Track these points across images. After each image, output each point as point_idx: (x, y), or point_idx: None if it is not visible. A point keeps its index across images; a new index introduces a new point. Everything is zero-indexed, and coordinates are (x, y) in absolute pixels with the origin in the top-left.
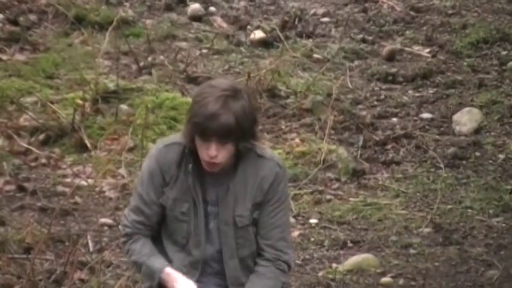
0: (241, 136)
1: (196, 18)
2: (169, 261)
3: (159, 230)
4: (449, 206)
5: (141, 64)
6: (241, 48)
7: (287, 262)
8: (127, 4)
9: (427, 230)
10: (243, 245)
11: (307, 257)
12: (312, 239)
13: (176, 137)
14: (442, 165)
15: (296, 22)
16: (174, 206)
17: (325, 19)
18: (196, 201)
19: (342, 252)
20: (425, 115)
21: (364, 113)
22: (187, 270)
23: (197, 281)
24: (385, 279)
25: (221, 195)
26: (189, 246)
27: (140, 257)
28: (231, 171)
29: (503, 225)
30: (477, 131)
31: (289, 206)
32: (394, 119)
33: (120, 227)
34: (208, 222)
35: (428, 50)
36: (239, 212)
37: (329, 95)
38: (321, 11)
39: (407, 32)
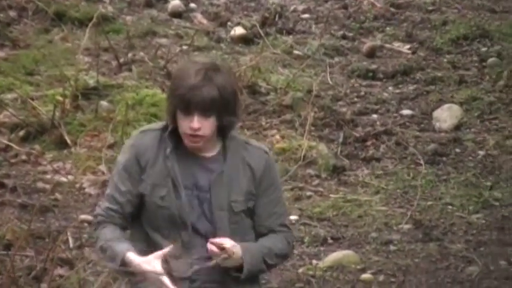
0: (224, 109)
1: (176, 14)
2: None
3: (131, 222)
4: (429, 203)
5: (121, 60)
6: (222, 45)
7: (292, 238)
8: (107, 0)
9: (407, 226)
10: (236, 232)
11: None
12: None
13: (153, 125)
14: (422, 162)
15: (276, 19)
16: (153, 191)
17: (306, 15)
18: (177, 184)
19: (322, 248)
20: (406, 112)
21: (344, 109)
22: (181, 254)
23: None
24: (365, 276)
25: (213, 181)
26: (175, 231)
27: (106, 242)
28: (220, 158)
29: (483, 221)
30: (457, 127)
31: (281, 191)
32: (374, 116)
33: (92, 217)
34: (201, 207)
35: (408, 46)
36: (234, 197)
37: (309, 91)
38: (301, 7)
39: (388, 28)
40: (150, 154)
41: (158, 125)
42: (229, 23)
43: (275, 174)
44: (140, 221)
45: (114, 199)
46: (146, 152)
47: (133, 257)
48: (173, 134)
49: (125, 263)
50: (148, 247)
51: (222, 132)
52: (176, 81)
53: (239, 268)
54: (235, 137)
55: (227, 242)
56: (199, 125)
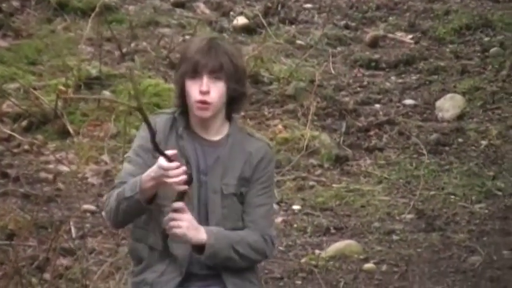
0: (232, 74)
1: (179, 4)
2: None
3: None
4: (432, 193)
5: (124, 50)
6: (224, 35)
7: (270, 236)
8: None
9: (410, 216)
10: (228, 216)
11: (290, 243)
12: (295, 226)
13: (165, 110)
14: (424, 152)
15: (279, 8)
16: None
17: (308, 5)
18: (190, 162)
19: (324, 238)
20: (408, 101)
21: (347, 99)
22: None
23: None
24: (368, 266)
25: (210, 164)
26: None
27: (120, 192)
28: (224, 143)
29: (486, 211)
30: (460, 117)
31: (274, 191)
32: (377, 105)
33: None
34: (199, 190)
35: (411, 36)
36: (226, 180)
37: (312, 81)
38: None
39: (390, 18)
40: (161, 135)
41: (169, 110)
42: (231, 13)
43: (272, 169)
44: None
45: (129, 173)
46: (159, 132)
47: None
48: (182, 116)
49: (142, 182)
50: (148, 230)
51: (230, 109)
52: (184, 50)
53: (201, 248)
54: (240, 127)
55: (185, 214)
56: (208, 87)
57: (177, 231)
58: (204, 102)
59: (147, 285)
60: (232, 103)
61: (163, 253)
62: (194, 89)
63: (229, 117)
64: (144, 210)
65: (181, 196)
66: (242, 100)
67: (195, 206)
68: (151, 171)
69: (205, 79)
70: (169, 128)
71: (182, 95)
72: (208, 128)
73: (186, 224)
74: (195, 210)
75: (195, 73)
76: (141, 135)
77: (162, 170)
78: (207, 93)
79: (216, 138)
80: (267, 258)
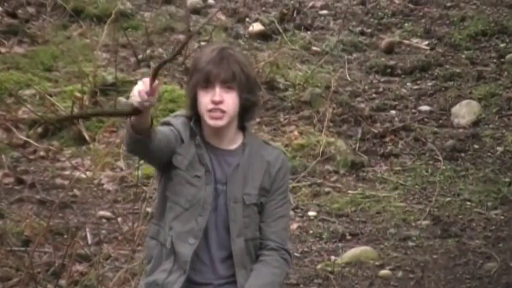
0: (244, 84)
1: (194, 10)
2: (170, 229)
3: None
4: (447, 199)
5: (140, 57)
6: (240, 41)
7: (289, 252)
8: None
9: (426, 222)
10: (248, 225)
11: (306, 249)
12: (311, 232)
13: (178, 112)
14: (440, 158)
15: (294, 15)
16: (189, 167)
17: (324, 11)
18: (210, 170)
19: (340, 244)
20: (424, 107)
21: (362, 105)
22: (186, 237)
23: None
24: (384, 272)
25: (230, 174)
26: (192, 213)
27: None
28: (239, 152)
29: (502, 217)
30: (476, 123)
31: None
32: (393, 112)
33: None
34: (217, 200)
35: (426, 42)
36: (247, 190)
37: (327, 87)
38: (319, 3)
39: (406, 24)
40: (186, 136)
41: (182, 112)
42: (247, 19)
43: (288, 178)
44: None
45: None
46: (184, 132)
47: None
48: (197, 126)
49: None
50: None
51: (242, 118)
52: (195, 61)
53: None
54: (255, 135)
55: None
56: (221, 97)
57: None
58: (219, 110)
59: (158, 287)
60: (244, 113)
61: (170, 250)
62: (206, 99)
63: (241, 127)
64: (137, 140)
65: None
66: (254, 109)
67: (208, 214)
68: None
69: (217, 89)
70: (189, 136)
71: (194, 105)
72: (222, 137)
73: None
74: (209, 218)
75: (207, 83)
76: (178, 128)
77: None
78: (219, 103)
79: (231, 147)
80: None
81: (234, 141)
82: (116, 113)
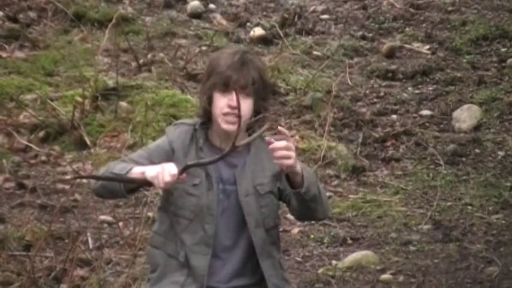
0: (261, 91)
1: (195, 15)
2: (181, 243)
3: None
4: (448, 203)
5: (141, 61)
6: (241, 46)
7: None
8: (126, 1)
9: (427, 227)
10: (268, 215)
11: (307, 254)
12: (312, 236)
13: (185, 119)
14: (441, 162)
15: (296, 19)
16: (187, 177)
17: (325, 16)
18: (210, 174)
19: (341, 249)
20: (425, 112)
21: (363, 110)
22: (199, 249)
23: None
24: (385, 276)
25: (238, 173)
26: (198, 222)
27: (115, 165)
28: (244, 152)
29: (503, 222)
30: (477, 128)
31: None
32: (394, 116)
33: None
34: (226, 201)
35: (427, 47)
36: (259, 181)
37: (329, 92)
38: (320, 8)
39: (407, 29)
40: (181, 144)
41: (190, 120)
42: (248, 24)
43: None
44: (166, 213)
45: (140, 155)
46: (178, 141)
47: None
48: (202, 128)
49: (132, 172)
50: (167, 238)
51: (253, 124)
52: (214, 62)
53: (297, 185)
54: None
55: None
56: (238, 103)
57: (288, 162)
58: (234, 115)
59: None
60: (256, 116)
61: (183, 263)
62: (222, 102)
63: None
64: (117, 193)
65: None
66: (265, 116)
67: (215, 220)
68: (150, 170)
69: (235, 94)
70: (190, 140)
71: (207, 106)
72: (230, 140)
73: (293, 154)
74: (218, 223)
75: (226, 87)
76: (171, 139)
77: (169, 177)
78: (236, 108)
79: (238, 148)
80: (326, 215)
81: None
82: (130, 180)
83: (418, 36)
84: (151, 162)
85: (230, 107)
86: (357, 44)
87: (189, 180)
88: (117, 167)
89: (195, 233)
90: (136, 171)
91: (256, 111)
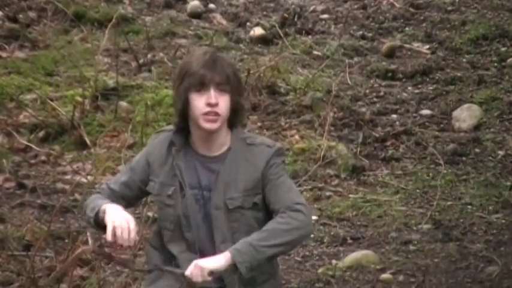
0: (236, 87)
1: (195, 15)
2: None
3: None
4: (448, 203)
5: (141, 61)
6: (241, 45)
7: (299, 203)
8: (126, 1)
9: (427, 226)
10: (238, 229)
11: (307, 253)
12: (312, 236)
13: (167, 126)
14: (441, 162)
15: (295, 19)
16: (161, 190)
17: (325, 16)
18: (182, 183)
19: (341, 248)
20: (425, 112)
21: (363, 109)
22: (187, 256)
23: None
24: (385, 276)
25: (212, 181)
26: (179, 232)
27: (93, 200)
28: (224, 158)
29: (503, 221)
30: (477, 127)
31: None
32: (394, 116)
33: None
34: (205, 207)
35: (427, 46)
36: (229, 195)
37: (329, 91)
38: (320, 7)
39: (407, 28)
40: (158, 154)
41: (171, 127)
42: (248, 24)
43: (279, 161)
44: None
45: (120, 182)
46: (155, 151)
47: (110, 207)
48: (180, 134)
49: (101, 210)
50: (158, 250)
51: (230, 122)
52: (186, 65)
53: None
54: (243, 137)
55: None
56: (216, 100)
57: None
58: (214, 113)
59: None
60: (233, 116)
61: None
62: (201, 102)
63: (230, 126)
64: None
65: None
66: (242, 113)
67: (195, 227)
68: (114, 215)
69: (212, 92)
70: (167, 147)
71: (184, 110)
72: (212, 142)
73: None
74: (199, 230)
75: (202, 86)
76: (149, 151)
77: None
78: (215, 105)
79: (217, 153)
80: (308, 228)
81: (221, 147)
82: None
83: (418, 36)
84: (133, 181)
85: (210, 104)
86: (356, 44)
87: (164, 192)
88: (90, 206)
89: (178, 243)
90: (101, 213)
91: (233, 107)
